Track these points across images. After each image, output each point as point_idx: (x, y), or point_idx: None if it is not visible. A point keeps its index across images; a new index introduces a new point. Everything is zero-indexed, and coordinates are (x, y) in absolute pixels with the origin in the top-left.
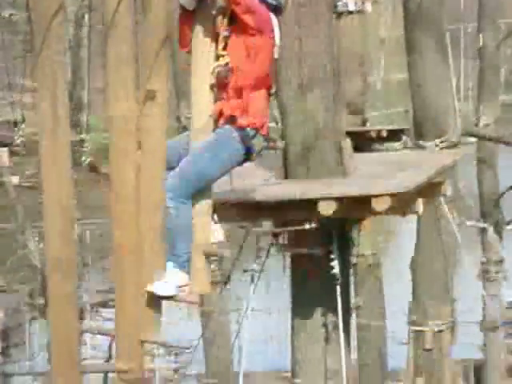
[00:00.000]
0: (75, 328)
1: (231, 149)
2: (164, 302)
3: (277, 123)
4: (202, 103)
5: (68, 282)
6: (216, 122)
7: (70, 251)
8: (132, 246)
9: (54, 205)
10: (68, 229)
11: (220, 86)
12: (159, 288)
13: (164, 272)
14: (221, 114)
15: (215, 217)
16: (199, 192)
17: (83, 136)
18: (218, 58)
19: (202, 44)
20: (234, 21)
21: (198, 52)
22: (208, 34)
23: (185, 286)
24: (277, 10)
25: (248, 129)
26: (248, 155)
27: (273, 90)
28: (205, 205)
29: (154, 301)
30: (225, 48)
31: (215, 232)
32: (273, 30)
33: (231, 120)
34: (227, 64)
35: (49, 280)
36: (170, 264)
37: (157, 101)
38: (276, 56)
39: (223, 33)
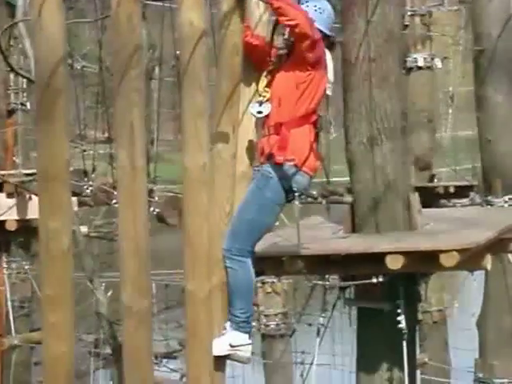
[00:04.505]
0: (150, 377)
1: (271, 189)
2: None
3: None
4: (243, 148)
5: (143, 331)
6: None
7: (145, 299)
8: (204, 297)
9: (130, 254)
10: (143, 277)
11: (262, 123)
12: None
13: (224, 330)
14: (262, 152)
15: None
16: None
17: (151, 186)
18: (259, 95)
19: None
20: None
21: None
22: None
23: (241, 345)
24: (331, 44)
25: (286, 165)
26: (291, 193)
27: (319, 127)
28: None
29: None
30: (267, 86)
31: None
32: (326, 67)
33: (270, 157)
34: (262, 102)
35: (124, 328)
36: (228, 324)
37: (221, 155)
38: (329, 93)
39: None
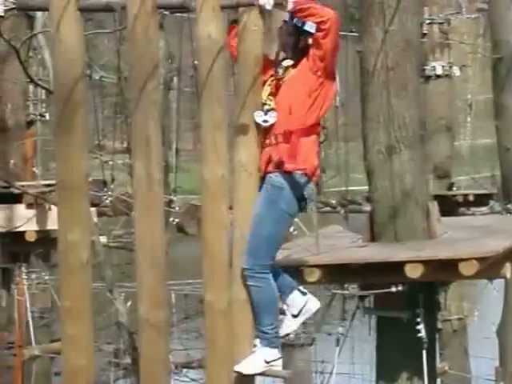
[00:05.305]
0: None
1: (285, 201)
2: None
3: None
4: None
5: (160, 343)
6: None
7: (162, 311)
8: (223, 308)
9: (146, 266)
10: (160, 288)
11: (265, 132)
12: (245, 367)
13: (254, 347)
14: (269, 160)
15: None
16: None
17: (171, 197)
18: (263, 104)
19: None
20: (298, 57)
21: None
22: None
23: (274, 360)
24: None
25: (298, 174)
26: (302, 202)
27: (322, 138)
28: None
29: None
30: (270, 95)
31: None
32: (335, 78)
33: (279, 165)
34: (267, 111)
35: (140, 340)
36: (257, 341)
37: (247, 169)
38: (337, 104)
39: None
